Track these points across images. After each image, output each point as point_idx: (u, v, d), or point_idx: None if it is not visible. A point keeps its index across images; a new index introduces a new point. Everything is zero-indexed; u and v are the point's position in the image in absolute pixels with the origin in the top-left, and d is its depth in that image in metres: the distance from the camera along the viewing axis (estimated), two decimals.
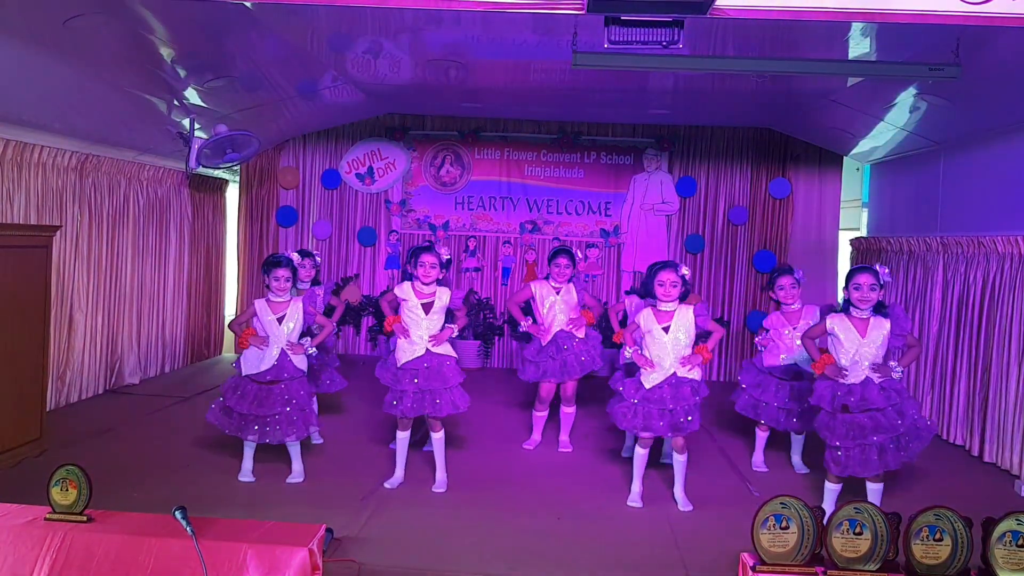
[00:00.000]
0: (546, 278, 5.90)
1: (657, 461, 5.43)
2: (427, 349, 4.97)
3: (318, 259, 6.20)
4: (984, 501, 4.62)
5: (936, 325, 6.88)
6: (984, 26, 3.77)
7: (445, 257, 5.06)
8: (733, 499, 5.01)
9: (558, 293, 5.80)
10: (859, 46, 5.09)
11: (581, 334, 5.82)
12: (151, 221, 7.90)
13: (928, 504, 3.37)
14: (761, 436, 5.74)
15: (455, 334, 5.08)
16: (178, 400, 7.13)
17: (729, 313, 9.35)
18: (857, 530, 3.29)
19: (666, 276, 4.74)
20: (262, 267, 5.18)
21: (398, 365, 4.99)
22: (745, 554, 3.45)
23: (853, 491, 4.63)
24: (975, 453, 6.13)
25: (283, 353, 4.97)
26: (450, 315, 5.17)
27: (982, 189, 6.45)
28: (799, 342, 5.27)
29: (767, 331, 5.66)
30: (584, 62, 4.54)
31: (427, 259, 4.95)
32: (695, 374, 4.77)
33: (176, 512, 3.38)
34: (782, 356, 5.52)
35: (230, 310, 9.90)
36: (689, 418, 4.72)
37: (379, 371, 5.73)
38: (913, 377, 7.11)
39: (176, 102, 6.82)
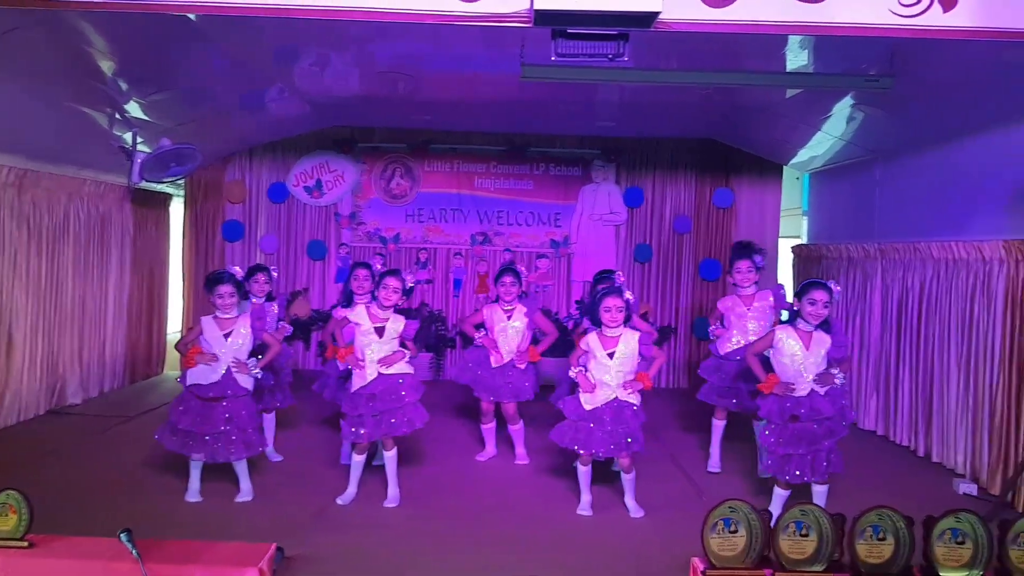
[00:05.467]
0: (495, 301, 5.93)
1: (609, 469, 5.47)
2: (378, 372, 4.96)
3: (274, 273, 6.04)
4: (926, 500, 4.75)
5: (878, 329, 7.06)
6: (917, 39, 3.91)
7: (409, 284, 5.07)
8: (683, 504, 5.09)
9: (509, 318, 5.84)
10: (797, 58, 5.22)
11: (522, 365, 5.86)
12: (92, 237, 7.71)
13: (872, 505, 3.45)
14: (717, 426, 5.83)
15: (405, 359, 5.06)
16: (122, 420, 6.96)
17: (676, 320, 9.48)
18: (803, 532, 3.37)
19: (612, 302, 4.81)
20: (204, 285, 5.09)
21: (352, 391, 4.98)
22: (696, 558, 3.50)
23: (798, 493, 4.72)
24: (920, 454, 6.29)
25: (229, 371, 4.90)
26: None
27: (917, 196, 6.65)
28: (751, 325, 5.60)
29: (721, 320, 5.83)
30: (532, 74, 4.60)
31: (391, 282, 4.97)
32: (634, 399, 4.85)
33: (121, 535, 3.30)
34: (735, 339, 5.66)
35: (174, 327, 9.70)
36: (629, 440, 4.79)
37: (318, 387, 5.78)
38: (857, 380, 7.28)
39: (118, 116, 6.69)
